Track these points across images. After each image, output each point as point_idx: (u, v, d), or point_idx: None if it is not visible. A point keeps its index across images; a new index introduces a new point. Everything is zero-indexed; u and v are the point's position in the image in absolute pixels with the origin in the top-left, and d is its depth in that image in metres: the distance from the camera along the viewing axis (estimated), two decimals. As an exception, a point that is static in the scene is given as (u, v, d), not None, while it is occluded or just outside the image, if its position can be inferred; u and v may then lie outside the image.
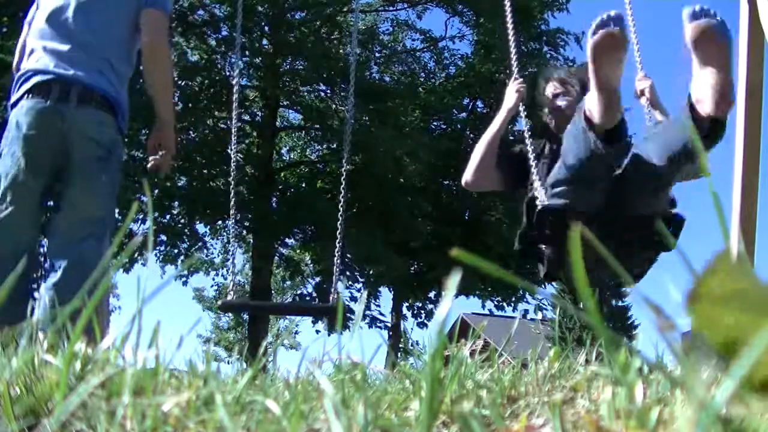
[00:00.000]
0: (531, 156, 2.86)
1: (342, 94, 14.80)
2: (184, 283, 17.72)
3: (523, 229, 2.79)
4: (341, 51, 15.81)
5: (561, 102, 3.12)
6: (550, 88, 3.19)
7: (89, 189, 2.54)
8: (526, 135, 2.96)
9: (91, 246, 2.45)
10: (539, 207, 2.62)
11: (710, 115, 2.16)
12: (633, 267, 2.71)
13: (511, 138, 3.23)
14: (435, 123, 17.01)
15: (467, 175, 3.14)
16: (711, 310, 0.39)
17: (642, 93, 3.12)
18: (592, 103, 2.30)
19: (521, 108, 3.15)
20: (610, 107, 2.27)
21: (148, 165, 2.79)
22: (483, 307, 17.19)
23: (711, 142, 2.27)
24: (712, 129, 2.22)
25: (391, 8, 18.02)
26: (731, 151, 3.02)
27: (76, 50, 2.60)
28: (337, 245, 3.86)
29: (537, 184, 2.72)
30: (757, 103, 2.98)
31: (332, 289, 4.23)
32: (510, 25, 3.42)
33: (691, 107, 2.20)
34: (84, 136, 2.53)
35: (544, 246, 2.82)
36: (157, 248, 14.91)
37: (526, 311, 19.09)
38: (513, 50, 3.34)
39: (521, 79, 3.24)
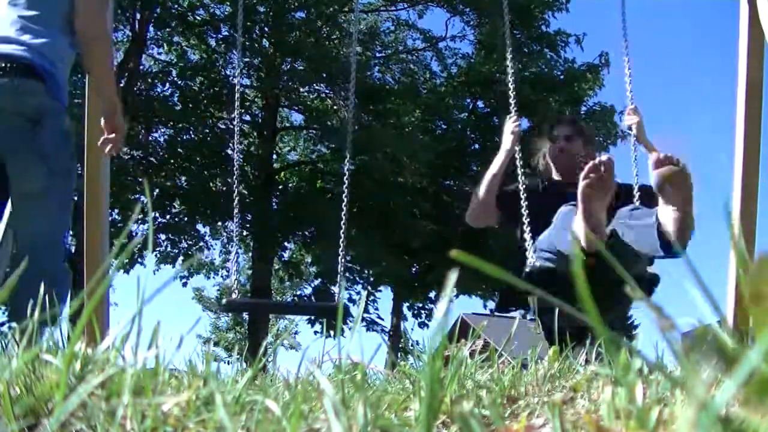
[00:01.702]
0: (524, 210, 3.07)
1: (342, 94, 14.80)
2: (184, 285, 17.70)
3: (499, 299, 3.15)
4: (341, 51, 15.81)
5: (563, 161, 3.37)
6: (564, 131, 3.43)
7: (21, 168, 2.39)
8: (520, 177, 3.18)
9: (36, 222, 2.35)
10: (527, 269, 2.92)
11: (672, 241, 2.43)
12: (617, 316, 3.06)
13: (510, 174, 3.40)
14: (435, 123, 17.01)
15: (470, 216, 3.42)
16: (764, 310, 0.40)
17: (630, 128, 3.29)
18: (578, 228, 2.54)
19: (517, 149, 3.30)
20: (593, 236, 2.49)
21: (106, 149, 2.66)
22: (483, 307, 17.20)
23: (673, 257, 2.55)
24: (676, 249, 2.46)
25: (391, 8, 18.02)
26: (731, 151, 3.02)
27: None
28: (341, 244, 3.86)
29: (528, 242, 2.99)
30: (757, 103, 2.98)
31: (337, 285, 4.24)
32: (508, 41, 3.55)
33: (659, 225, 2.46)
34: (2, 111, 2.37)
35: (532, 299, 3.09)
36: (157, 248, 14.90)
37: (526, 311, 19.08)
38: (510, 81, 3.47)
39: (516, 118, 3.38)
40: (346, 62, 15.08)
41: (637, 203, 3.13)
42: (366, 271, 16.22)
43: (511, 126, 3.35)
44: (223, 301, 3.60)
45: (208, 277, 19.45)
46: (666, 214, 2.40)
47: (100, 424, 0.66)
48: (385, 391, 0.95)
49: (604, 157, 2.50)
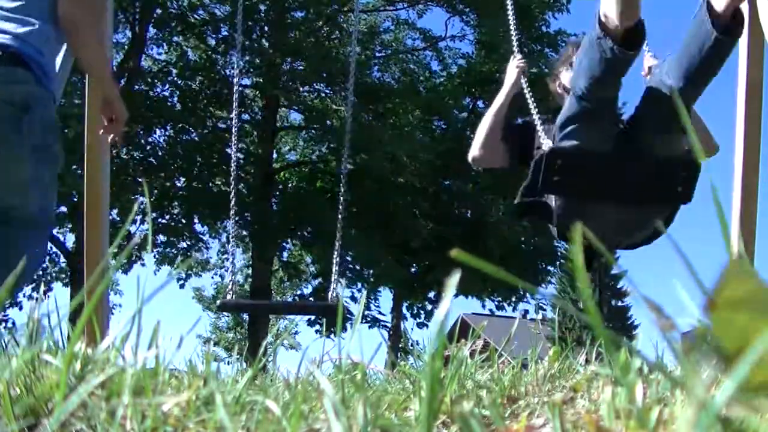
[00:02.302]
0: (536, 118, 2.74)
1: (342, 93, 14.80)
2: (181, 286, 17.69)
3: (528, 181, 2.62)
4: (341, 51, 15.81)
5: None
6: (571, 69, 3.00)
7: (9, 157, 2.37)
8: (531, 105, 2.85)
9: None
10: (547, 150, 2.47)
11: (727, 9, 2.14)
12: (649, 218, 2.60)
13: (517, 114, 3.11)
14: (435, 123, 17.01)
15: (473, 151, 3.04)
16: (729, 315, 0.40)
17: (650, 71, 3.07)
18: (607, 4, 2.21)
19: (524, 83, 3.05)
20: (629, 2, 2.18)
21: (108, 139, 2.66)
22: (483, 307, 17.20)
23: (730, 39, 2.23)
24: (730, 25, 2.19)
25: (391, 8, 18.02)
26: (731, 151, 3.02)
27: None
28: (336, 243, 3.86)
29: (541, 134, 2.60)
30: (757, 103, 2.98)
31: (331, 288, 4.23)
32: (510, 10, 3.33)
33: (708, 5, 2.17)
34: None
35: (553, 197, 2.66)
36: (156, 249, 14.90)
37: (526, 311, 19.11)
38: (514, 32, 3.25)
39: (522, 57, 3.15)
40: (347, 62, 15.09)
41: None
42: (366, 271, 16.23)
43: (515, 61, 3.13)
44: (217, 302, 3.58)
45: (200, 275, 19.34)
46: None
47: (100, 424, 0.66)
48: (385, 391, 0.95)
49: None
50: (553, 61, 3.25)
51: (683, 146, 2.56)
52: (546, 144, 2.52)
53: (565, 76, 3.06)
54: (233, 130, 4.05)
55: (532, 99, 2.90)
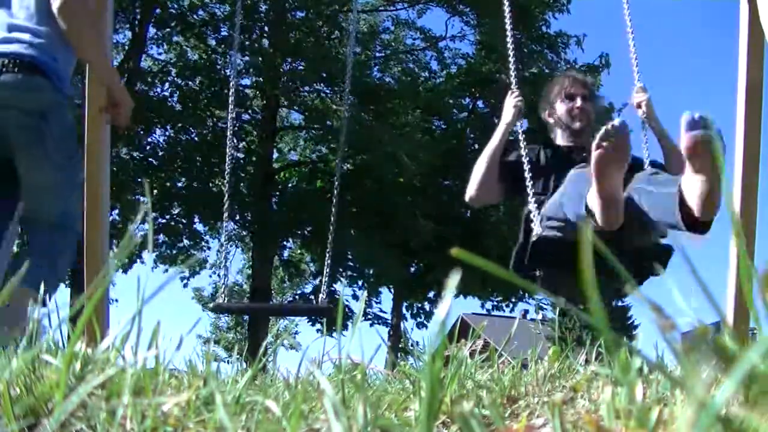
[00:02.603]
0: (527, 173, 2.90)
1: (342, 93, 14.80)
2: (185, 286, 17.69)
3: (518, 248, 2.88)
4: (341, 51, 15.81)
5: (576, 124, 3.17)
6: (578, 89, 3.20)
7: (31, 163, 2.46)
8: (522, 147, 2.99)
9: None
10: (534, 238, 2.72)
11: (696, 217, 2.23)
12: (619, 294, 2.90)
13: (510, 140, 3.23)
14: (435, 123, 17.01)
15: (471, 192, 3.19)
16: None
17: (639, 106, 3.16)
18: (593, 203, 2.35)
19: (519, 123, 3.17)
20: (610, 214, 2.34)
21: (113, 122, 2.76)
22: (483, 307, 17.20)
23: (698, 234, 2.35)
24: (699, 225, 2.27)
25: (391, 8, 18.02)
26: (731, 151, 3.02)
27: None
28: (328, 246, 3.87)
29: (533, 209, 2.79)
30: (757, 103, 2.98)
31: (322, 290, 4.26)
32: (509, 29, 3.41)
33: (681, 200, 2.25)
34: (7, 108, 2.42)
35: (539, 270, 2.93)
36: (157, 249, 14.90)
37: (526, 311, 19.10)
38: (512, 57, 3.33)
39: (518, 93, 3.24)
40: (346, 62, 15.06)
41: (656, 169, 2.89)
42: (366, 271, 16.23)
43: (512, 100, 3.20)
44: (211, 304, 3.61)
45: (199, 273, 19.16)
46: (692, 185, 2.16)
47: (100, 424, 0.66)
48: (385, 391, 0.95)
49: (616, 121, 2.26)
50: (545, 93, 3.37)
51: (659, 237, 2.75)
52: (535, 227, 2.75)
53: (560, 108, 3.20)
54: (229, 131, 4.03)
55: (525, 143, 3.02)
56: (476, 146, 16.06)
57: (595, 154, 2.24)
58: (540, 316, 16.85)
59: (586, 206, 2.42)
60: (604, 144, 2.23)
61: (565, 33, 16.13)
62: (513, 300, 17.08)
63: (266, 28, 15.40)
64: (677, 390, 0.72)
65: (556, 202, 2.72)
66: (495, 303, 17.16)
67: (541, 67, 15.58)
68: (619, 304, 20.88)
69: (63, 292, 14.04)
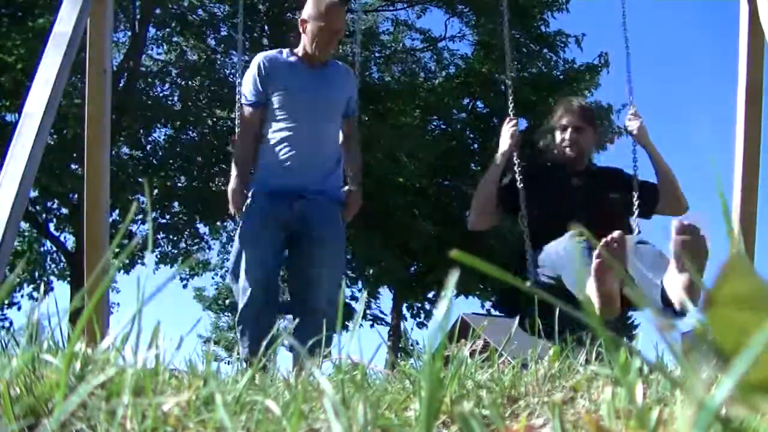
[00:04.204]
0: (524, 216, 3.08)
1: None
2: (184, 286, 17.67)
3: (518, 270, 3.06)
4: (341, 50, 15.80)
5: (581, 138, 3.29)
6: (572, 119, 3.31)
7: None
8: (518, 176, 3.15)
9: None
10: (528, 283, 2.84)
11: (679, 303, 2.38)
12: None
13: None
14: (435, 123, 17.01)
15: (472, 220, 3.37)
16: (725, 314, 0.39)
17: (631, 133, 3.27)
18: (591, 293, 2.49)
19: (514, 153, 3.27)
20: (608, 310, 2.48)
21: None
22: (483, 307, 17.19)
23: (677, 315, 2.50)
24: (679, 313, 2.44)
25: (390, 8, 18.02)
26: (731, 151, 3.02)
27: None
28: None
29: (529, 253, 3.00)
30: (758, 104, 2.98)
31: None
32: (506, 32, 3.51)
33: (663, 291, 2.43)
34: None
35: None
36: (157, 249, 14.90)
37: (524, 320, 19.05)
38: (508, 60, 3.45)
39: (515, 121, 3.35)
40: (346, 62, 15.05)
41: (636, 202, 3.11)
42: (366, 271, 16.23)
43: (509, 129, 3.33)
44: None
45: (195, 275, 19.01)
46: (675, 282, 2.38)
47: (100, 424, 0.66)
48: (385, 391, 0.95)
49: (616, 233, 2.49)
50: (546, 124, 3.50)
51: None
52: (530, 274, 2.95)
53: (556, 136, 3.34)
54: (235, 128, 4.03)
55: (520, 169, 3.19)
56: (475, 146, 16.08)
57: (594, 263, 2.44)
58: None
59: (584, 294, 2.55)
60: (603, 253, 2.44)
61: (564, 32, 16.12)
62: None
63: (266, 28, 15.40)
64: (677, 390, 0.73)
65: (551, 256, 2.86)
66: (494, 303, 17.16)
67: (540, 67, 15.58)
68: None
69: (64, 292, 14.05)
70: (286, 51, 3.31)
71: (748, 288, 0.39)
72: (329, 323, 2.68)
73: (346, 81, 3.36)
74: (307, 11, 3.22)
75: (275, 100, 3.18)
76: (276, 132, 3.18)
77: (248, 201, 3.18)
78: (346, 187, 3.34)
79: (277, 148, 3.16)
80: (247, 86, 3.27)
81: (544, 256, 2.91)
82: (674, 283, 2.38)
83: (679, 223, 2.35)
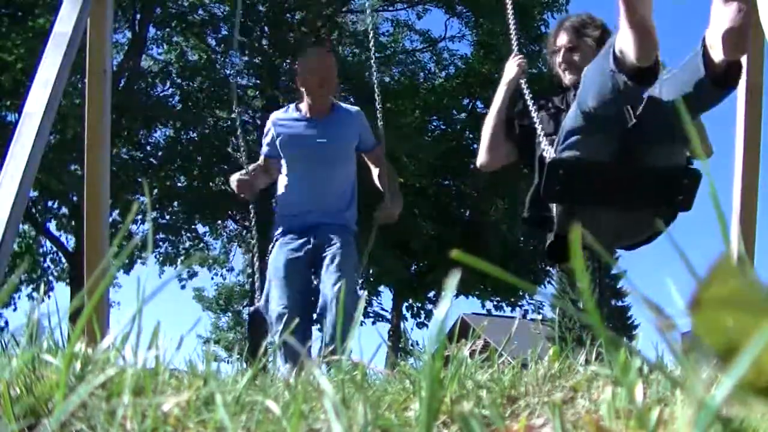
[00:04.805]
0: (533, 111, 2.75)
1: (342, 94, 14.80)
2: (183, 287, 17.69)
3: (533, 190, 2.67)
4: (341, 51, 15.80)
5: (576, 56, 2.94)
6: (563, 39, 2.99)
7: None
8: (531, 107, 2.82)
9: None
10: (548, 160, 2.50)
11: (723, 60, 2.10)
12: (649, 224, 2.63)
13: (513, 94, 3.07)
14: (434, 123, 17.02)
15: (481, 157, 3.05)
16: (712, 315, 0.39)
17: None
18: (625, 43, 2.16)
19: (523, 82, 3.00)
20: (647, 44, 2.13)
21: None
22: (483, 307, 17.20)
23: (723, 89, 2.22)
24: (725, 74, 2.16)
25: (390, 8, 18.03)
26: (731, 151, 3.02)
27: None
28: None
29: (543, 140, 2.60)
30: (757, 103, 2.98)
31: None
32: (510, 8, 3.30)
33: (705, 52, 2.14)
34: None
35: (554, 205, 2.69)
36: (157, 249, 14.91)
37: (526, 311, 19.09)
38: (513, 30, 3.21)
39: (521, 55, 3.10)
40: (346, 62, 15.07)
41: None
42: (366, 271, 16.24)
43: (514, 60, 3.07)
44: (251, 308, 3.84)
45: (194, 276, 18.90)
46: (718, 22, 2.04)
47: (100, 424, 0.66)
48: (385, 391, 0.95)
49: None
50: (551, 35, 3.12)
51: (684, 155, 2.57)
52: (548, 153, 2.54)
53: (553, 63, 3.01)
54: (237, 127, 4.04)
55: (531, 98, 2.87)
56: (475, 146, 16.07)
57: None
58: (540, 316, 16.86)
59: (614, 56, 2.23)
60: None
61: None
62: (512, 300, 17.08)
63: (266, 29, 15.40)
64: (677, 390, 0.73)
65: (569, 114, 2.55)
66: (495, 303, 17.17)
67: (540, 67, 15.59)
68: (619, 304, 20.90)
69: (64, 292, 14.05)
70: (292, 107, 3.70)
71: (736, 290, 0.39)
72: (337, 331, 2.75)
73: (351, 123, 3.66)
74: (299, 69, 3.65)
75: (285, 153, 3.57)
76: (289, 180, 3.58)
77: (271, 245, 3.57)
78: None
79: (291, 195, 3.57)
80: (264, 142, 3.74)
81: (566, 120, 2.56)
82: (718, 21, 2.04)
83: None
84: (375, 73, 4.44)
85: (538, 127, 2.70)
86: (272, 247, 3.58)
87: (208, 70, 15.27)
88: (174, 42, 15.64)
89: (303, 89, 3.60)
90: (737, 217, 2.95)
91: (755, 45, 2.93)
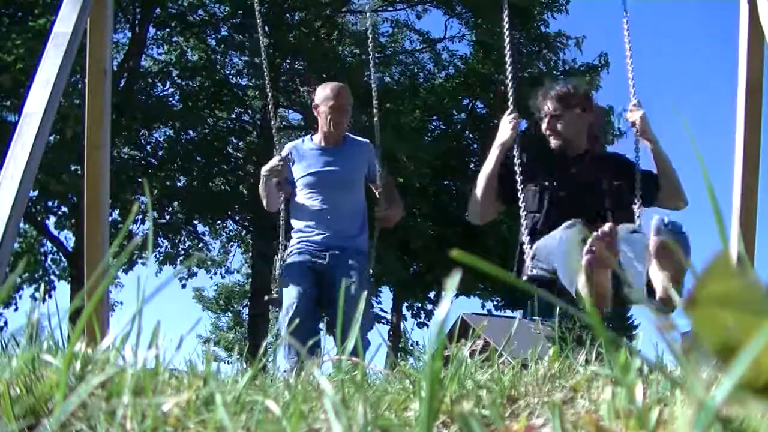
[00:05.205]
0: (521, 198, 3.04)
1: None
2: (183, 286, 17.66)
3: (516, 266, 3.08)
4: (341, 51, 15.81)
5: (559, 124, 3.20)
6: (549, 107, 3.22)
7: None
8: (517, 169, 3.08)
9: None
10: (524, 277, 2.92)
11: (664, 293, 2.40)
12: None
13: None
14: (434, 123, 17.01)
15: (473, 214, 3.32)
16: (710, 313, 0.39)
17: (633, 124, 3.19)
18: (582, 291, 2.49)
19: (515, 143, 3.19)
20: (597, 307, 2.48)
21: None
22: (483, 307, 17.19)
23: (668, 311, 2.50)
24: (666, 305, 2.44)
25: (390, 9, 18.02)
26: (731, 151, 3.02)
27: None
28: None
29: (526, 245, 2.96)
30: (757, 103, 2.98)
31: None
32: (506, 33, 3.47)
33: (649, 281, 2.44)
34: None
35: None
36: (157, 249, 14.90)
37: (526, 311, 19.06)
38: (508, 60, 3.40)
39: (515, 114, 3.28)
40: (346, 62, 15.08)
41: (638, 193, 3.05)
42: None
43: (510, 120, 3.24)
44: (266, 297, 3.95)
45: (194, 276, 18.90)
46: (656, 277, 2.41)
47: (100, 424, 0.66)
48: (385, 391, 0.95)
49: (606, 227, 2.45)
50: (538, 99, 3.37)
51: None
52: (526, 266, 2.93)
53: (542, 127, 3.27)
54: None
55: (520, 165, 3.11)
56: (475, 146, 16.08)
57: (584, 258, 2.43)
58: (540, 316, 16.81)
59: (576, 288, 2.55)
60: (594, 249, 2.42)
61: (564, 33, 16.12)
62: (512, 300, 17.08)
63: (266, 28, 15.40)
64: (677, 390, 0.73)
65: (546, 248, 2.84)
66: (495, 303, 17.17)
67: (540, 68, 15.59)
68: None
69: (65, 292, 14.05)
70: (307, 138, 4.01)
71: (732, 288, 0.39)
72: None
73: (361, 153, 3.92)
74: (318, 96, 3.83)
75: (300, 181, 3.79)
76: (303, 205, 3.79)
77: (285, 263, 3.77)
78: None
79: (305, 220, 3.77)
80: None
81: (540, 247, 2.89)
82: (656, 278, 2.40)
83: (658, 221, 2.37)
84: (374, 74, 4.45)
85: (522, 205, 3.04)
86: (283, 268, 3.77)
87: (208, 70, 15.27)
88: (174, 42, 15.63)
89: (322, 116, 3.82)
90: (737, 218, 2.95)
91: (755, 45, 2.94)
